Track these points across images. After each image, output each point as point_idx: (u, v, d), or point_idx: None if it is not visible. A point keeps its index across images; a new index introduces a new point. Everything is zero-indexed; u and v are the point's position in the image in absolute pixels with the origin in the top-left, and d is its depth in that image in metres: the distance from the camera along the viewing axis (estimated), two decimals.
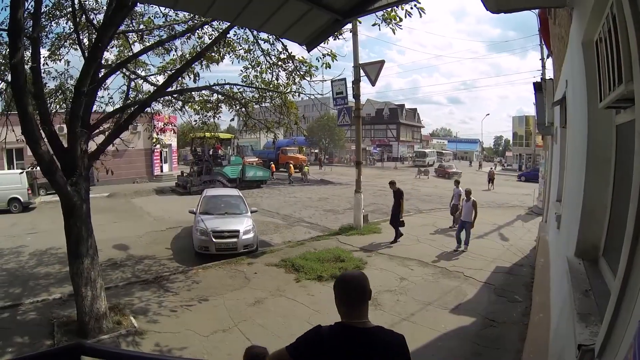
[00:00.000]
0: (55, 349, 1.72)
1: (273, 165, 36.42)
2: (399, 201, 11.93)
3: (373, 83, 13.76)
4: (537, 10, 11.29)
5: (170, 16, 8.01)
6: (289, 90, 8.97)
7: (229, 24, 7.22)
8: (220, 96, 9.07)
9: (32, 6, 5.82)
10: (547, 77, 13.35)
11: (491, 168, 34.92)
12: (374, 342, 2.05)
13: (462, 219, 11.03)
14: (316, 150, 62.78)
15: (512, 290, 7.88)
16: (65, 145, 6.04)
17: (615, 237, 2.76)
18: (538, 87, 10.56)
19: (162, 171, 33.34)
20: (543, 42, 16.23)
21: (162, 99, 8.97)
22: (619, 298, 1.72)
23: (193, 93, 9.16)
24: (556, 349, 3.33)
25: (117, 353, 1.68)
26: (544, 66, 20.15)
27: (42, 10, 6.52)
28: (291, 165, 35.70)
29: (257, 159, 38.44)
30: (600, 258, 3.03)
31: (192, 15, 7.66)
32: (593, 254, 3.11)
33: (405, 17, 5.72)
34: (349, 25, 9.56)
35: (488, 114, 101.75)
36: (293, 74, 8.65)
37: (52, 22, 7.70)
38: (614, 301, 1.76)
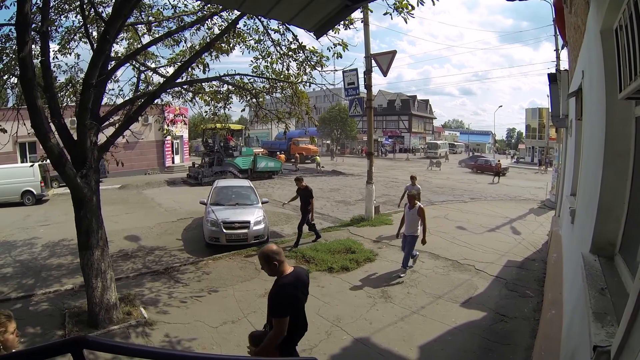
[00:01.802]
0: (56, 342, 1.70)
1: (282, 156, 36.66)
2: (309, 200, 10.73)
3: (385, 73, 13.60)
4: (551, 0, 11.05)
5: (179, 7, 7.99)
6: (299, 80, 8.90)
7: (238, 14, 7.18)
8: (230, 87, 9.04)
9: (40, 0, 5.83)
10: (562, 68, 13.07)
11: (498, 161, 34.31)
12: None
13: (405, 233, 8.53)
14: (328, 142, 62.72)
15: (524, 285, 7.77)
16: (75, 137, 6.06)
17: (633, 233, 2.67)
18: (553, 78, 10.30)
19: (173, 162, 33.65)
20: (558, 32, 15.90)
21: (172, 90, 8.98)
22: (638, 298, 1.64)
23: (203, 84, 9.15)
24: (569, 347, 3.26)
25: (120, 347, 1.65)
26: (558, 57, 19.81)
27: (51, 5, 6.53)
28: (281, 155, 36.77)
29: (262, 150, 38.64)
30: (616, 255, 2.94)
31: (201, 6, 7.63)
32: (609, 251, 3.01)
33: (418, 5, 5.59)
34: (360, 15, 9.46)
35: (501, 106, 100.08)
36: (304, 64, 8.58)
37: (61, 16, 7.72)
38: (633, 301, 1.68)
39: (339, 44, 7.63)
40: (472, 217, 14.09)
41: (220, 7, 7.19)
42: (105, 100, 7.35)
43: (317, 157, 37.72)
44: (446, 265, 8.92)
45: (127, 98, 8.11)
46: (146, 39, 8.42)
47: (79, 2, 6.74)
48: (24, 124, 6.69)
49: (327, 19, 3.16)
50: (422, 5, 5.52)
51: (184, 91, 9.40)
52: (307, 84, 8.92)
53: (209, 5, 7.33)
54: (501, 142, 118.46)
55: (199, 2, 7.53)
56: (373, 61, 13.47)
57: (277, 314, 3.43)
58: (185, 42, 8.80)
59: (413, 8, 6.11)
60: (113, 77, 7.81)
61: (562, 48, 16.28)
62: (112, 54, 7.41)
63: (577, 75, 5.66)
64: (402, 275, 8.18)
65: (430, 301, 7.13)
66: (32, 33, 5.47)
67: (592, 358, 1.99)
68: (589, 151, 3.99)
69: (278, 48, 8.45)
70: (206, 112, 9.94)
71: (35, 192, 18.52)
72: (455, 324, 6.24)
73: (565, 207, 7.16)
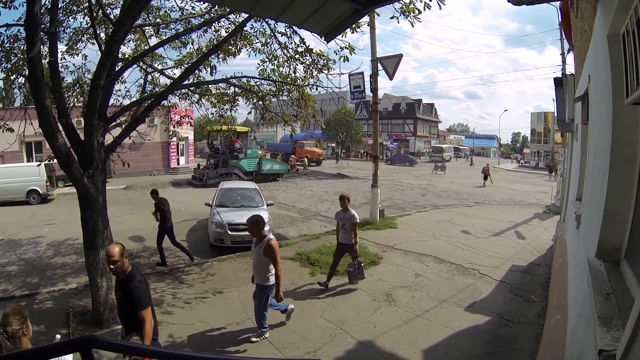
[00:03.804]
0: (66, 342, 1.72)
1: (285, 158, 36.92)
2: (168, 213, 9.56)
3: (391, 77, 13.64)
4: (558, 3, 11.01)
5: (187, 10, 8.05)
6: (306, 83, 8.92)
7: (246, 16, 7.22)
8: (237, 89, 9.08)
9: (49, 1, 5.89)
10: (568, 72, 13.03)
11: (487, 164, 33.91)
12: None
13: (257, 282, 5.87)
14: (333, 145, 62.77)
15: (528, 289, 7.74)
16: (82, 137, 6.11)
17: (639, 239, 2.66)
18: (558, 82, 10.27)
19: (178, 164, 33.81)
20: (564, 36, 15.87)
21: (178, 92, 9.04)
22: None
23: (210, 86, 9.19)
24: (573, 352, 3.24)
25: (128, 347, 1.67)
26: (564, 61, 19.81)
27: (59, 6, 6.60)
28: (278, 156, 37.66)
29: (261, 152, 38.84)
30: (622, 260, 2.93)
31: (208, 8, 7.67)
32: (615, 256, 3.00)
33: (424, 9, 5.60)
34: (367, 19, 9.49)
35: (506, 110, 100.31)
36: (310, 67, 8.60)
37: (70, 17, 7.80)
38: (638, 306, 1.68)
39: (345, 47, 7.65)
40: (477, 222, 14.05)
41: (228, 9, 7.24)
42: (112, 101, 7.42)
43: (305, 159, 37.83)
44: (450, 269, 8.89)
45: (134, 99, 8.17)
46: (153, 41, 8.50)
47: (87, 4, 6.80)
48: (31, 124, 6.75)
49: (337, 22, 3.18)
50: (429, 9, 5.53)
51: (190, 93, 9.46)
52: (314, 86, 8.94)
53: (218, 7, 7.38)
54: (506, 146, 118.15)
55: (206, 4, 7.57)
56: (379, 65, 13.49)
57: (144, 305, 3.82)
58: (192, 44, 8.91)
59: (420, 12, 6.11)
60: (120, 78, 7.88)
61: (568, 52, 16.25)
62: (120, 56, 7.47)
63: (584, 79, 5.63)
64: (253, 339, 5.82)
65: (435, 305, 7.11)
66: (41, 34, 5.52)
67: None
68: (595, 156, 3.98)
69: (285, 51, 8.49)
70: (212, 114, 9.99)
71: (40, 191, 18.71)
72: (459, 328, 6.21)
73: (570, 211, 7.13)
